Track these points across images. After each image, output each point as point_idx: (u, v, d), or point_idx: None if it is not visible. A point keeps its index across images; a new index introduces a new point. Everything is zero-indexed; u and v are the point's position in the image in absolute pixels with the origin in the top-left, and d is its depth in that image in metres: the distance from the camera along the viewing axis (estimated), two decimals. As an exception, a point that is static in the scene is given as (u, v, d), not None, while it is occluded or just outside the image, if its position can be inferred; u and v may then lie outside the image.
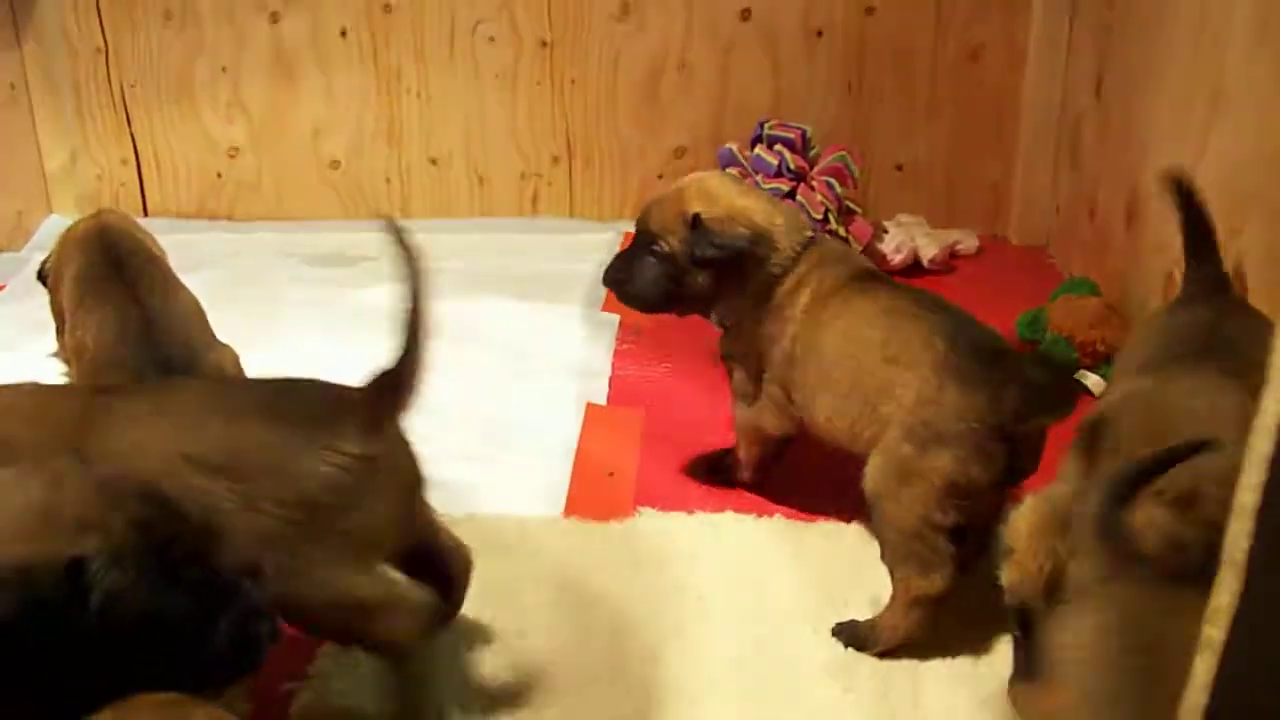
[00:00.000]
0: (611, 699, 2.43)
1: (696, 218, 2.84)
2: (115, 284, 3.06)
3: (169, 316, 2.98)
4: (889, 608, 2.59)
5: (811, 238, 2.92)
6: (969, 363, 2.52)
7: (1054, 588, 2.11)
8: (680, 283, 2.89)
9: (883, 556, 2.63)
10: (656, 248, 2.89)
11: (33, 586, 1.70)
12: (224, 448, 2.10)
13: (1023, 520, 2.20)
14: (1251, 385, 1.37)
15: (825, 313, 2.80)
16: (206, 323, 3.11)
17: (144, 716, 1.65)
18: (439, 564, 2.45)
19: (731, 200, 2.88)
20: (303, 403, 2.24)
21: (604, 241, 4.70)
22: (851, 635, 2.61)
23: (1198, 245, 2.74)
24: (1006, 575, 2.20)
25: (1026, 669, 2.19)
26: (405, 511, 2.28)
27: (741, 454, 3.13)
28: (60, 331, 3.32)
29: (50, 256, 3.38)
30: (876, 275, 2.96)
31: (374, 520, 2.17)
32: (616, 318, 4.07)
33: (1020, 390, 2.47)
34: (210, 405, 2.22)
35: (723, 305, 2.93)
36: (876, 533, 2.66)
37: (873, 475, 2.61)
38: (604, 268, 3.04)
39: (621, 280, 2.97)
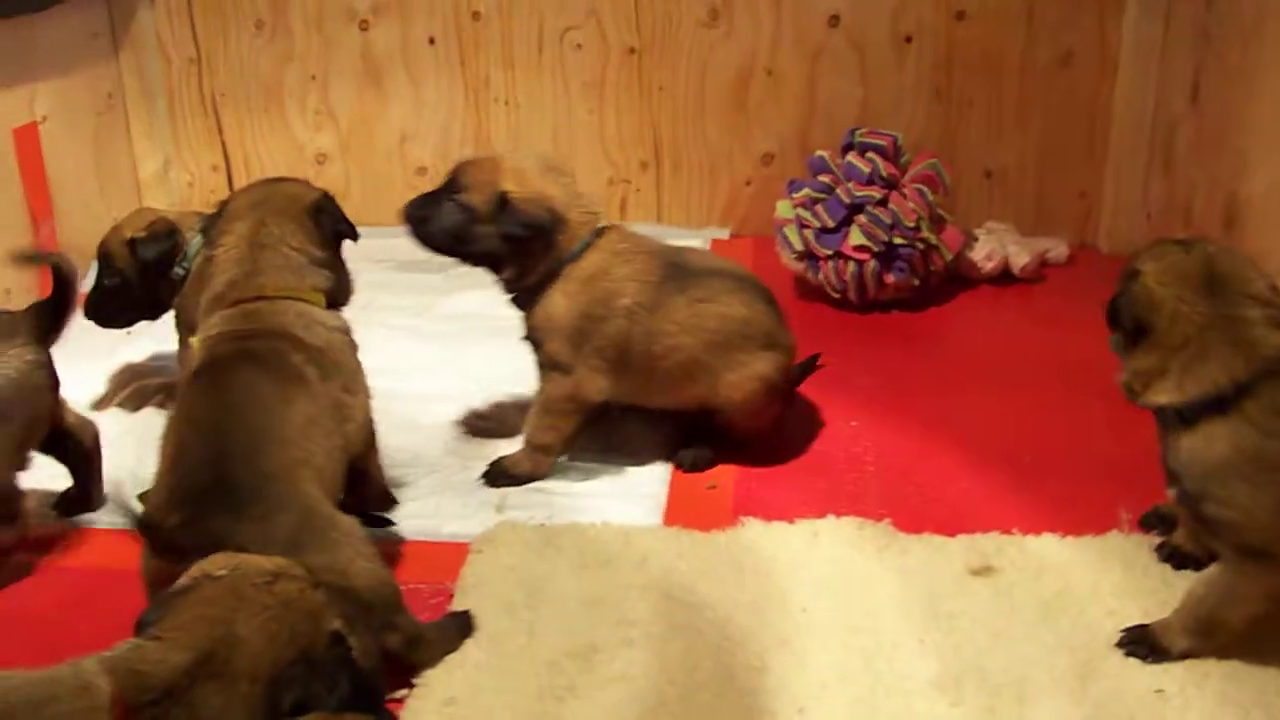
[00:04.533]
0: (719, 709, 2.42)
1: (505, 195, 3.12)
2: None
3: None
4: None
5: (605, 226, 3.26)
6: None
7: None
8: (473, 238, 3.17)
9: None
10: (461, 199, 3.17)
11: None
12: None
13: None
14: None
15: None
16: None
17: None
18: (71, 441, 3.09)
19: (538, 184, 3.18)
20: None
21: (692, 249, 4.71)
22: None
23: None
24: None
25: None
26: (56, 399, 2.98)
27: (553, 436, 3.27)
28: (187, 340, 3.38)
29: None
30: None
31: (42, 411, 2.93)
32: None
33: None
34: None
35: (510, 271, 3.21)
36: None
37: None
38: (411, 200, 3.29)
39: (421, 218, 3.23)
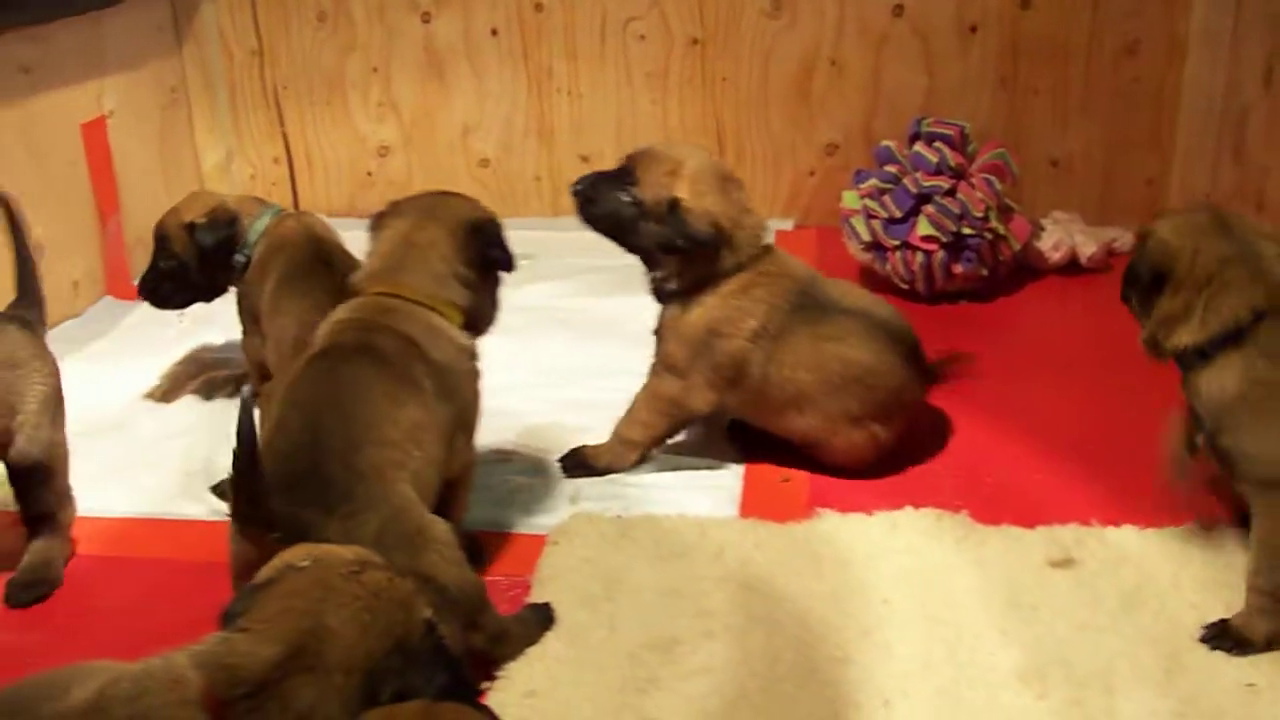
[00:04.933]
0: (802, 700, 2.40)
1: (676, 202, 3.08)
2: (322, 278, 3.30)
3: None
4: None
5: (768, 245, 3.22)
6: None
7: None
8: (635, 231, 3.16)
9: None
10: (634, 191, 3.15)
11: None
12: None
13: None
14: None
15: None
16: None
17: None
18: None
19: (710, 198, 3.12)
20: None
21: (757, 239, 4.69)
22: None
23: None
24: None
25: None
26: None
27: (643, 432, 3.25)
28: (250, 328, 3.47)
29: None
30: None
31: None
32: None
33: None
34: None
35: (663, 271, 3.18)
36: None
37: None
38: (583, 176, 3.26)
39: (589, 198, 3.21)
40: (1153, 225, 2.71)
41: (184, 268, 3.54)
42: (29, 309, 3.01)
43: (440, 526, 2.45)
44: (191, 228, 3.48)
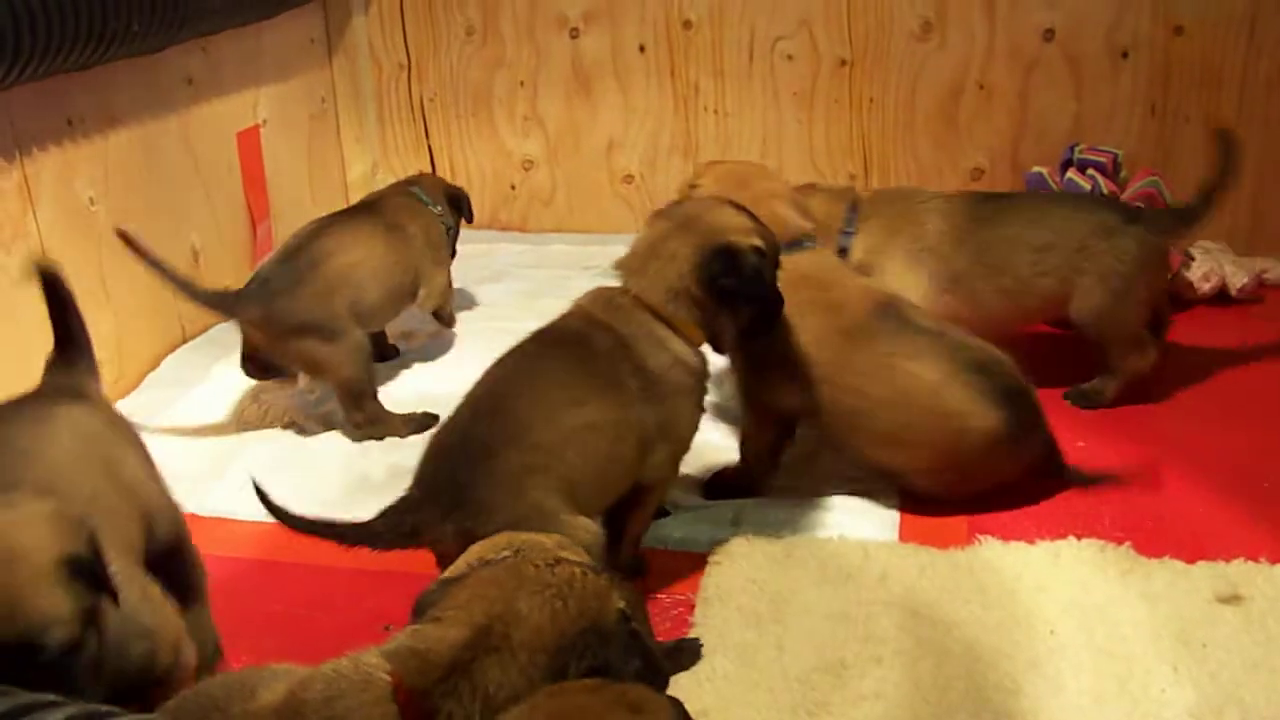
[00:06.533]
0: (975, 730, 2.42)
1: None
2: None
3: None
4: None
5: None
6: None
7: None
8: None
9: None
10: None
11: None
12: None
13: None
14: None
15: None
16: None
17: (577, 698, 1.77)
18: None
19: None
20: None
21: (901, 262, 4.69)
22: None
23: None
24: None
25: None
26: None
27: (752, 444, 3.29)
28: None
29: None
30: None
31: None
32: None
33: None
34: None
35: None
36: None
37: None
38: None
39: None
40: None
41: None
42: (70, 366, 2.58)
43: (580, 530, 2.50)
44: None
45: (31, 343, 3.43)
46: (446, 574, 2.06)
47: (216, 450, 3.56)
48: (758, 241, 2.80)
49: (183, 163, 4.24)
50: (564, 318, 2.79)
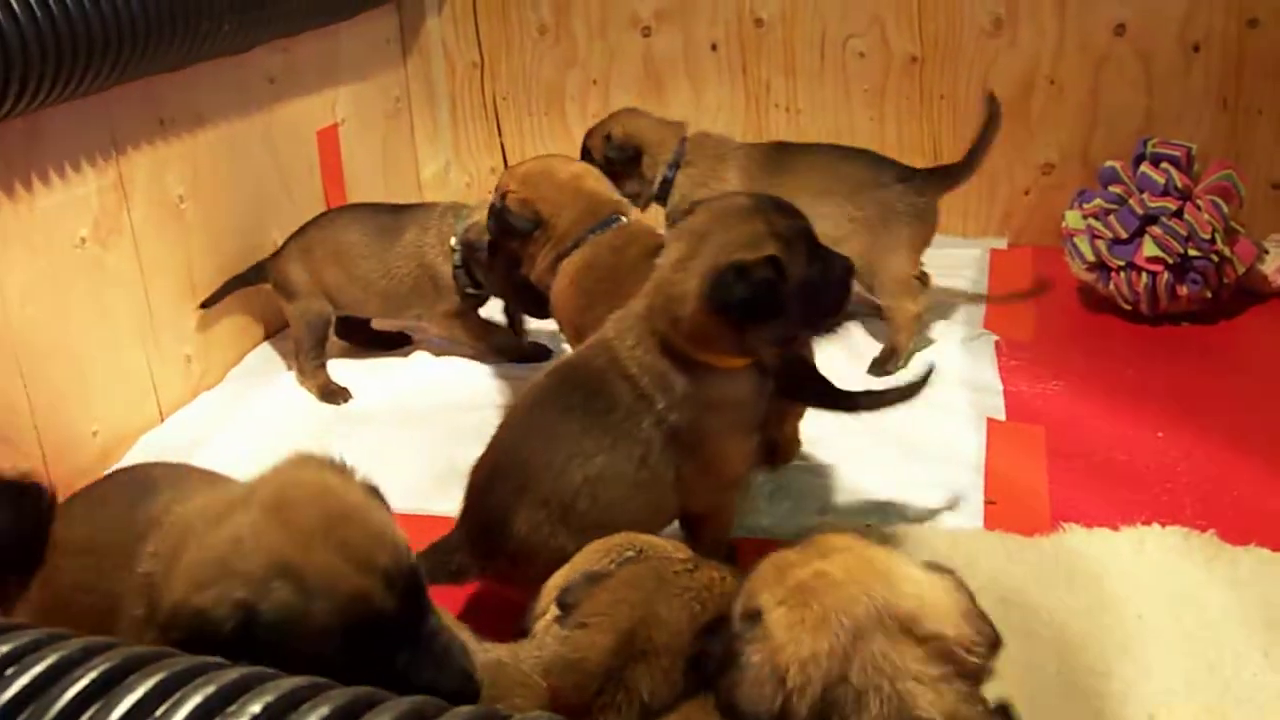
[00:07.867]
0: (1066, 712, 2.43)
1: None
2: None
3: None
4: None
5: None
6: None
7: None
8: None
9: None
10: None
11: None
12: None
13: None
14: None
15: None
16: None
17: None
18: None
19: None
20: None
21: (971, 258, 4.72)
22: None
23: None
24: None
25: None
26: None
27: None
28: None
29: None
30: None
31: None
32: (994, 336, 4.09)
33: None
34: None
35: None
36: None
37: None
38: None
39: None
40: None
41: None
42: None
43: None
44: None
45: (123, 338, 3.55)
46: (590, 569, 2.07)
47: (302, 441, 3.61)
48: (769, 249, 2.44)
49: (265, 161, 4.32)
50: (590, 350, 2.64)
